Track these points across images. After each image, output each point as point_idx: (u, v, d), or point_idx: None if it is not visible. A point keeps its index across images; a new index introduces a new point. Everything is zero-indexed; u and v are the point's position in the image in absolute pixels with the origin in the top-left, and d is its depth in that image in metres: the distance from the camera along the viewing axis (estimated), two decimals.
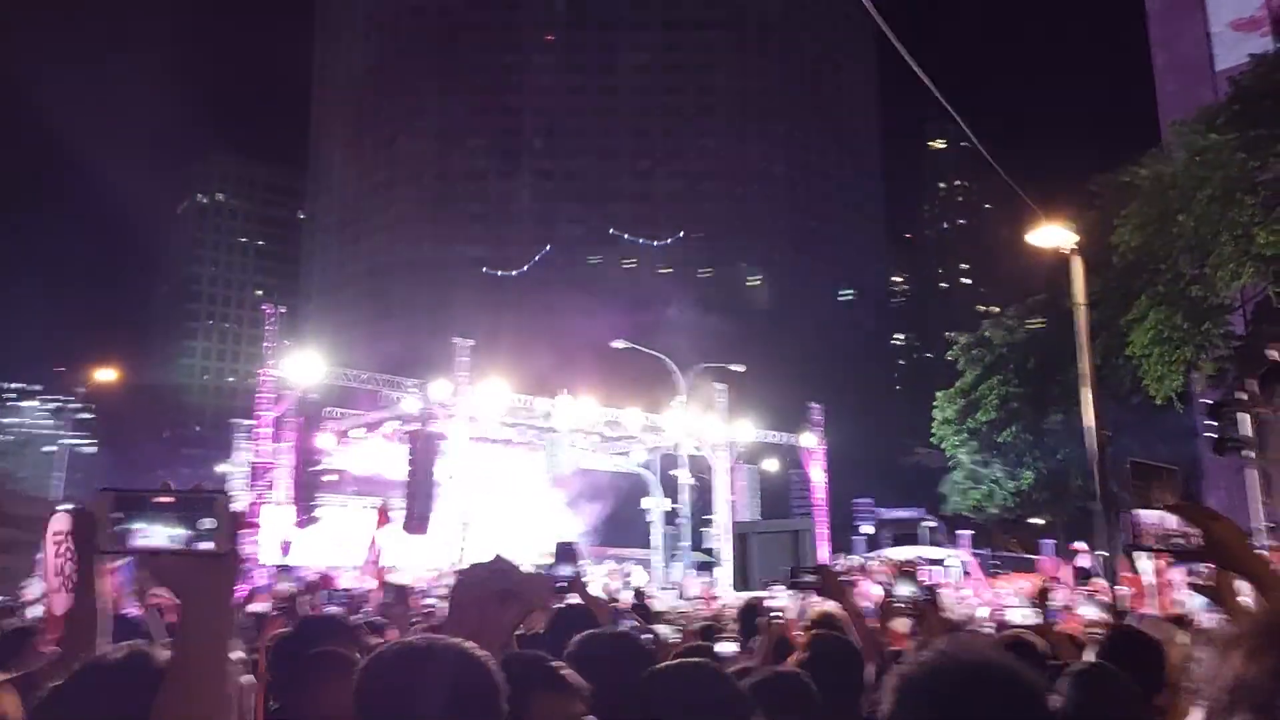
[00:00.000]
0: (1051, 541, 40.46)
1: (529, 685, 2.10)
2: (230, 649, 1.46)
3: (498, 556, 2.18)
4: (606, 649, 2.90)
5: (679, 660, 2.85)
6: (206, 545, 1.39)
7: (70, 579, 3.68)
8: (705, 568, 34.19)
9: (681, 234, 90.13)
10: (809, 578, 4.49)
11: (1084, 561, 22.46)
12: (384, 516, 17.70)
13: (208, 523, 1.39)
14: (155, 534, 1.38)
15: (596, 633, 3.15)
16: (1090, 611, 5.40)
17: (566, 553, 3.80)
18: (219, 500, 1.42)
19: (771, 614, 4.77)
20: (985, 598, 16.43)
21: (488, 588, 2.09)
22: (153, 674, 1.72)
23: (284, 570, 21.02)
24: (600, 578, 25.69)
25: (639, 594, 16.15)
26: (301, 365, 28.79)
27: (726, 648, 4.62)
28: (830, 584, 4.48)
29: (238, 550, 1.44)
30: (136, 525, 1.38)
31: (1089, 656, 3.60)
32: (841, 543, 37.46)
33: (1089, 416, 13.29)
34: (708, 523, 35.72)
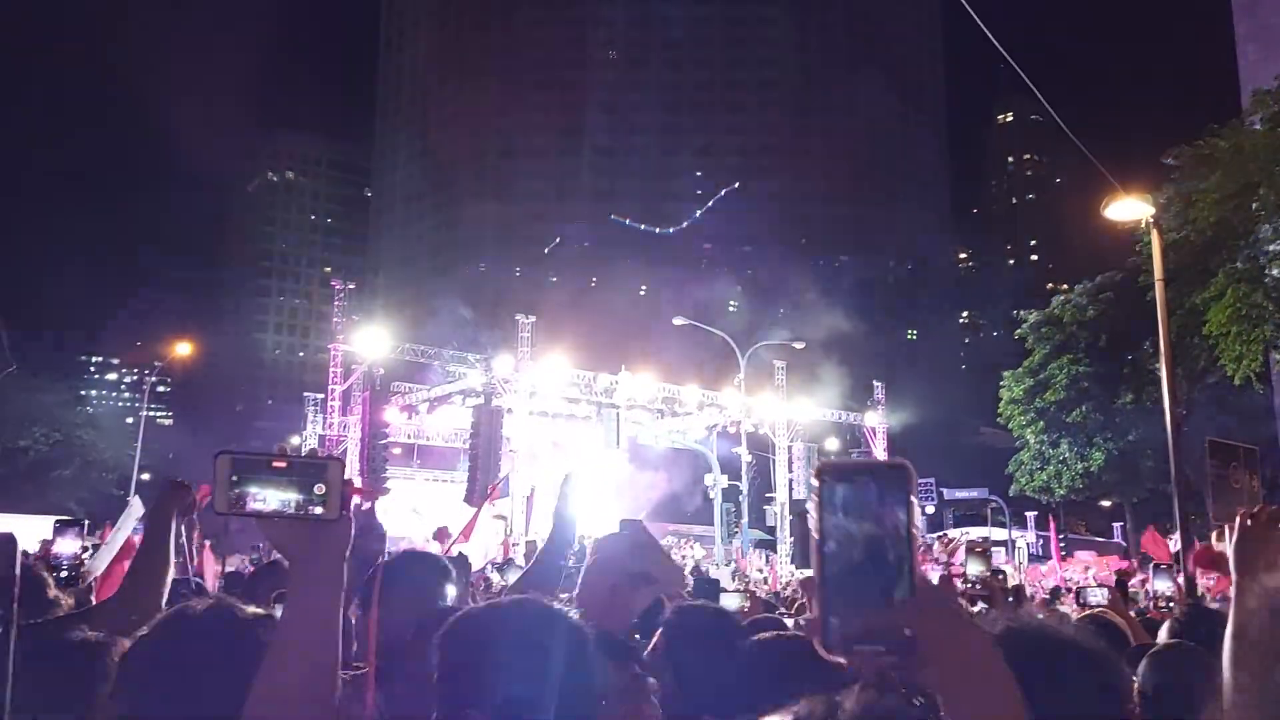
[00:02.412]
0: (1120, 525, 39.68)
1: None
2: (340, 616, 1.48)
3: (640, 527, 2.14)
4: (701, 620, 2.88)
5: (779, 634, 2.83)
6: (318, 510, 1.42)
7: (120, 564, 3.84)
8: (764, 545, 34.17)
9: (743, 210, 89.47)
10: None
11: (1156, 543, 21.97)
12: (494, 491, 17.67)
13: (320, 488, 1.42)
14: (269, 498, 1.41)
15: (692, 604, 3.14)
16: (1164, 586, 5.28)
17: (632, 524, 3.81)
18: (332, 466, 1.44)
19: None
20: (1062, 577, 16.20)
21: (624, 568, 2.05)
22: (241, 625, 1.78)
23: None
24: None
25: (696, 569, 16.23)
26: (369, 340, 29.29)
27: (787, 622, 4.62)
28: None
29: (349, 516, 1.46)
30: (251, 489, 1.41)
31: (1163, 635, 3.55)
32: None
33: (1166, 396, 12.93)
34: (768, 500, 35.66)
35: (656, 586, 2.10)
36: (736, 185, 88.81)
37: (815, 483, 1.07)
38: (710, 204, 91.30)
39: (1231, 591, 2.23)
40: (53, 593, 3.15)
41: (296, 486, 1.42)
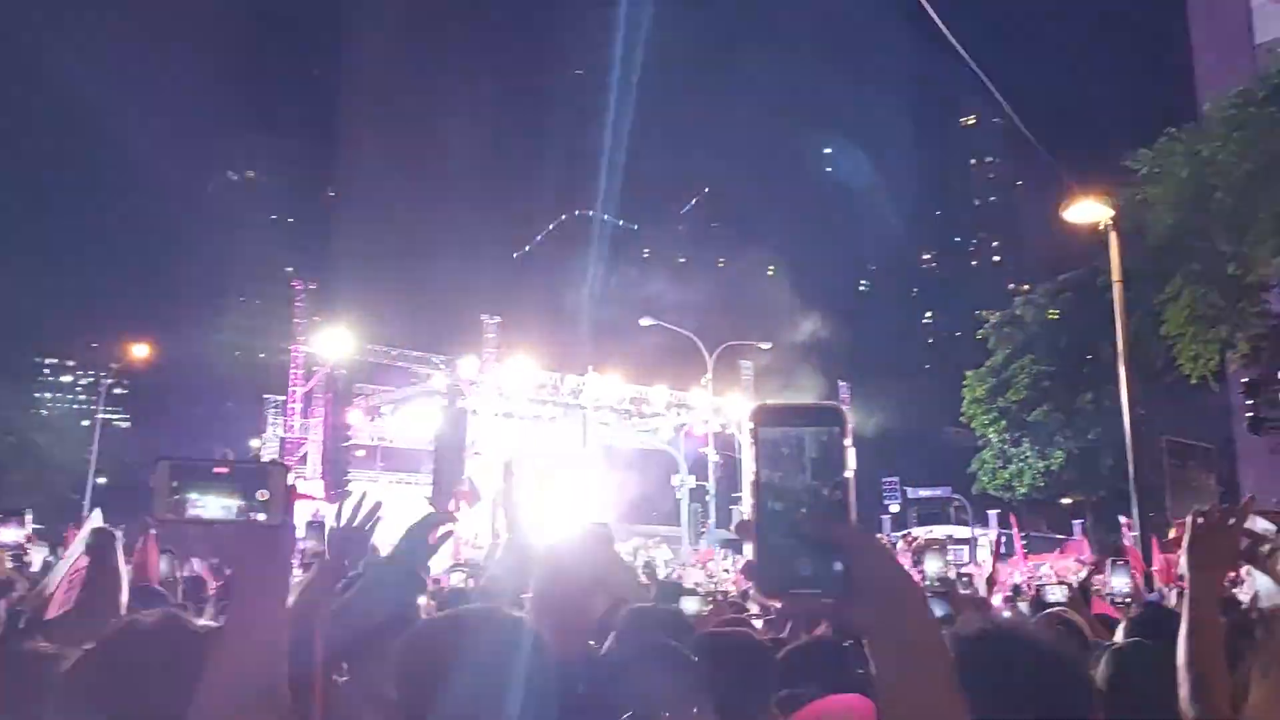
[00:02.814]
0: (1080, 522, 40.17)
1: None
2: (284, 621, 1.47)
3: (592, 529, 2.12)
4: (652, 623, 2.87)
5: (720, 630, 2.83)
6: (260, 516, 1.40)
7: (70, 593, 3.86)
8: (731, 545, 34.25)
9: (709, 212, 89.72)
10: None
11: (1128, 540, 22.15)
12: (466, 495, 17.23)
13: (262, 494, 1.40)
14: (210, 504, 1.39)
15: (643, 607, 3.13)
16: (1121, 582, 5.33)
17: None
18: (275, 472, 1.43)
19: None
20: (1022, 575, 16.31)
21: (577, 577, 2.02)
22: (189, 638, 1.73)
23: (312, 526, 21.17)
24: (625, 555, 25.72)
25: (649, 568, 16.22)
26: (331, 341, 28.99)
27: (755, 623, 4.60)
28: None
29: (291, 522, 1.45)
30: (192, 495, 1.39)
31: (1119, 634, 3.57)
32: (868, 521, 37.34)
33: (1125, 396, 13.09)
34: (735, 501, 35.72)
35: (613, 592, 2.07)
36: (706, 190, 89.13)
37: (748, 424, 1.06)
38: (679, 206, 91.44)
39: (1185, 590, 2.24)
40: (4, 574, 3.30)
41: (238, 492, 1.40)
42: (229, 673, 1.41)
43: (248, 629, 1.43)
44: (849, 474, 1.05)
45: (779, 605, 1.06)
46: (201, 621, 1.81)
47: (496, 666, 1.63)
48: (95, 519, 4.41)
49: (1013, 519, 30.73)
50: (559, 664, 1.78)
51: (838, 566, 1.02)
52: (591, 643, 2.42)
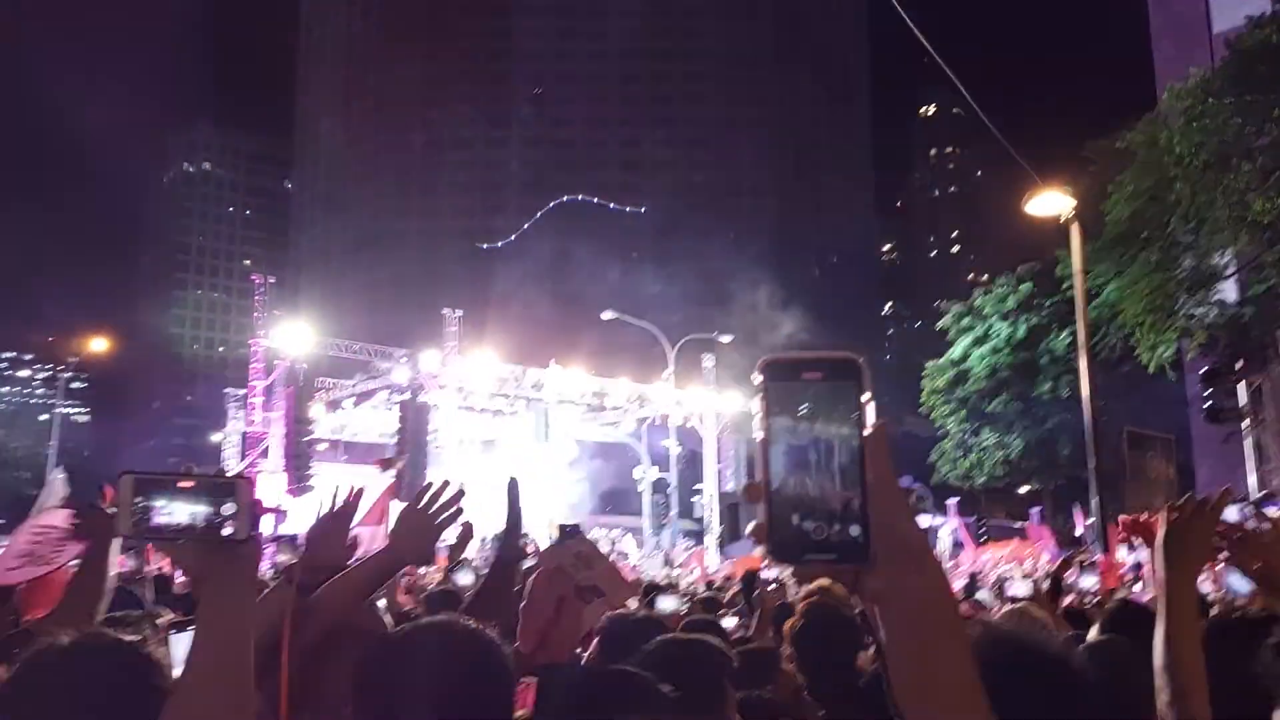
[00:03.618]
0: (1038, 509, 40.69)
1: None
2: (251, 640, 1.42)
3: (580, 537, 2.04)
4: (634, 628, 2.78)
5: (679, 635, 2.74)
6: (227, 531, 1.36)
7: (41, 559, 3.65)
8: (692, 535, 34.34)
9: (669, 202, 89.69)
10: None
11: (1079, 529, 22.45)
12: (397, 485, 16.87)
13: (229, 508, 1.36)
14: (177, 510, 1.35)
15: (624, 613, 3.04)
16: (1089, 582, 5.31)
17: (571, 534, 3.66)
18: (241, 485, 1.38)
19: (768, 585, 4.69)
20: (980, 567, 16.48)
21: (570, 581, 1.94)
22: (111, 656, 1.63)
23: (282, 540, 20.87)
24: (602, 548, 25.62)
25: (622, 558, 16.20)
26: (292, 335, 28.69)
27: (728, 622, 4.54)
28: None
29: (258, 538, 1.40)
30: (157, 510, 1.35)
31: (1094, 632, 3.54)
32: None
33: (1085, 387, 13.19)
34: (697, 492, 35.81)
35: (604, 600, 1.99)
36: (669, 202, 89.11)
37: (758, 378, 0.98)
38: (642, 196, 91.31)
39: (1160, 588, 2.16)
40: None
41: (204, 507, 1.35)
42: (195, 695, 1.37)
43: (214, 650, 1.39)
44: (868, 431, 0.97)
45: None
46: (125, 638, 1.69)
47: (450, 684, 1.56)
48: (58, 485, 4.22)
49: (952, 509, 30.95)
50: (543, 670, 1.72)
51: (854, 530, 0.96)
52: (578, 650, 2.33)
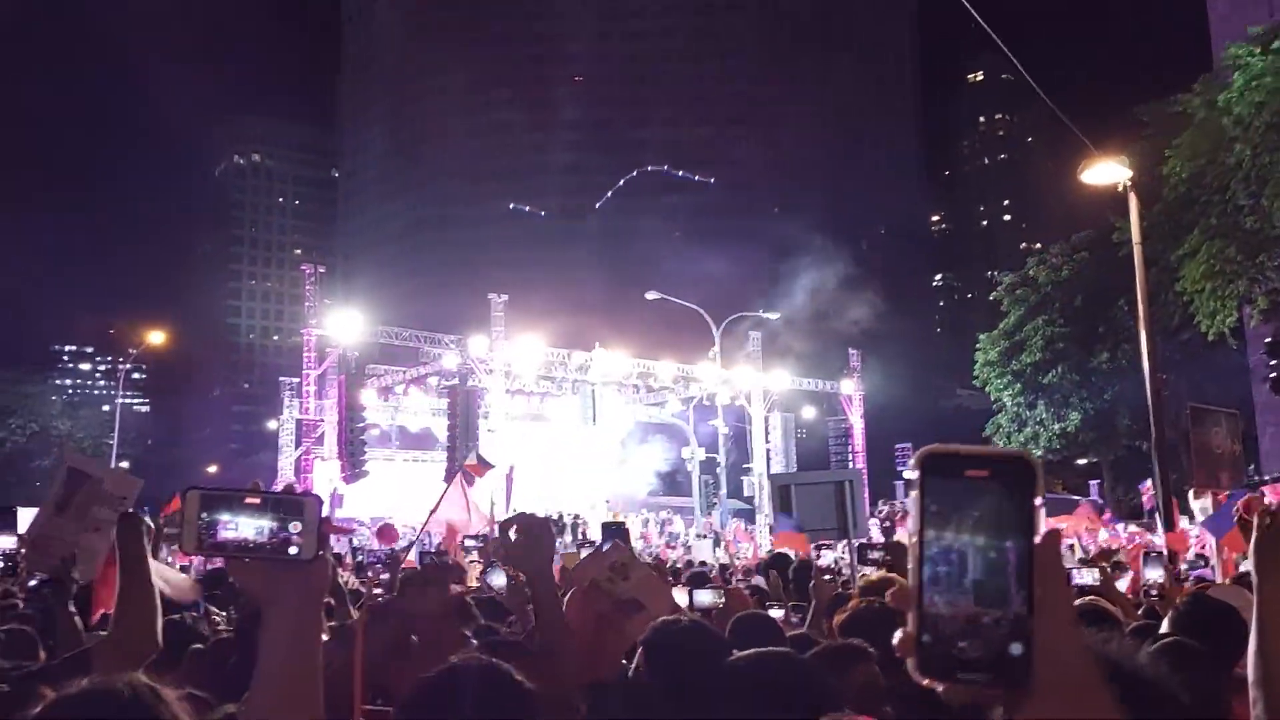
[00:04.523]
0: (1097, 482, 39.98)
1: None
2: (319, 661, 1.38)
3: (614, 544, 1.98)
4: (680, 639, 2.71)
5: (758, 653, 2.64)
6: (293, 551, 1.32)
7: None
8: (742, 515, 34.27)
9: (712, 180, 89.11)
10: (877, 554, 4.31)
11: (1148, 503, 21.92)
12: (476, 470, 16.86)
13: (295, 527, 1.32)
14: (243, 527, 1.32)
15: (671, 621, 2.98)
16: (1154, 574, 5.09)
17: (616, 532, 3.60)
18: (309, 504, 1.34)
19: (824, 575, 4.61)
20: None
21: (609, 595, 1.89)
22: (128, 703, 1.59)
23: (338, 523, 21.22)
24: (638, 527, 25.74)
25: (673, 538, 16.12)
26: (343, 323, 29.00)
27: (775, 613, 4.47)
28: (902, 561, 4.25)
29: (326, 557, 1.36)
30: (224, 519, 1.32)
31: (1165, 627, 3.41)
32: (882, 487, 37.25)
33: (1145, 361, 12.83)
34: (745, 471, 35.68)
35: (647, 613, 1.92)
36: (666, 168, 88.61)
37: (914, 474, 0.90)
38: (680, 176, 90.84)
39: (1255, 598, 2.05)
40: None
41: (270, 525, 1.32)
42: None
43: (280, 677, 1.35)
44: (1037, 539, 0.88)
45: (941, 689, 0.86)
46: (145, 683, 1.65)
47: None
48: (70, 455, 4.20)
49: None
50: (590, 690, 1.67)
51: (1015, 649, 0.86)
52: (625, 661, 2.27)
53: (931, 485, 0.90)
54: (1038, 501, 0.88)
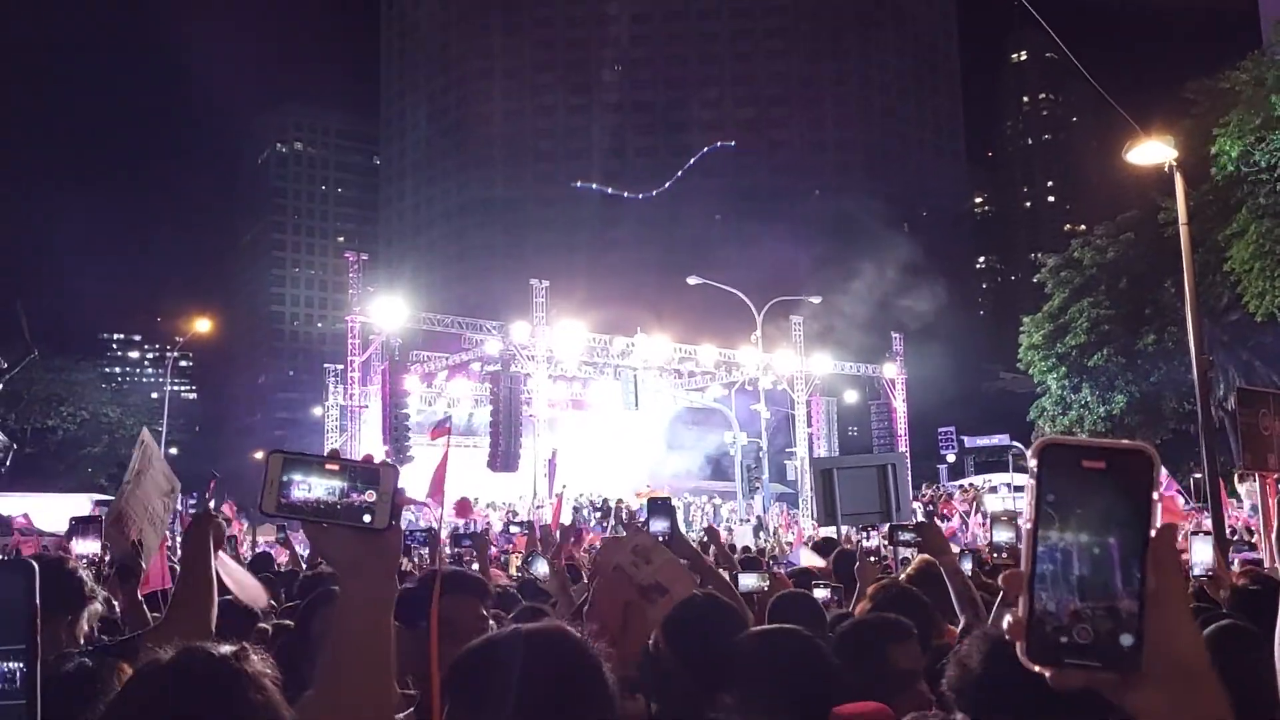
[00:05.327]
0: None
1: None
2: (391, 630, 1.39)
3: (636, 529, 2.07)
4: (699, 613, 2.78)
5: (771, 628, 2.73)
6: (367, 519, 1.35)
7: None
8: (785, 499, 34.27)
9: (754, 162, 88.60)
10: (908, 535, 4.39)
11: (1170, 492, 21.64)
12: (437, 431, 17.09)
13: (371, 495, 1.35)
14: (320, 492, 1.35)
15: (687, 600, 3.07)
16: (1205, 554, 5.02)
17: (662, 508, 3.69)
18: (386, 473, 1.37)
19: (869, 557, 4.71)
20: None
21: (631, 582, 1.97)
22: (205, 673, 1.58)
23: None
24: (683, 513, 25.87)
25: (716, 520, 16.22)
26: (385, 311, 29.29)
27: (820, 593, 4.58)
28: (933, 541, 4.35)
29: (398, 527, 1.37)
30: (302, 482, 1.36)
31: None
32: (924, 471, 37.08)
33: (1193, 344, 12.71)
34: (788, 456, 35.66)
35: (669, 597, 2.02)
36: (733, 144, 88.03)
37: (1033, 463, 0.93)
38: (723, 157, 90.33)
39: None
40: (89, 587, 3.18)
41: (347, 492, 1.36)
42: (335, 690, 1.36)
43: (354, 643, 1.37)
44: (1154, 532, 0.90)
45: (1049, 674, 0.90)
46: (221, 650, 1.62)
47: (550, 692, 1.57)
48: (145, 436, 4.22)
49: None
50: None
51: (1126, 639, 0.88)
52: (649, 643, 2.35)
53: (1048, 476, 0.91)
54: (1156, 495, 0.90)
